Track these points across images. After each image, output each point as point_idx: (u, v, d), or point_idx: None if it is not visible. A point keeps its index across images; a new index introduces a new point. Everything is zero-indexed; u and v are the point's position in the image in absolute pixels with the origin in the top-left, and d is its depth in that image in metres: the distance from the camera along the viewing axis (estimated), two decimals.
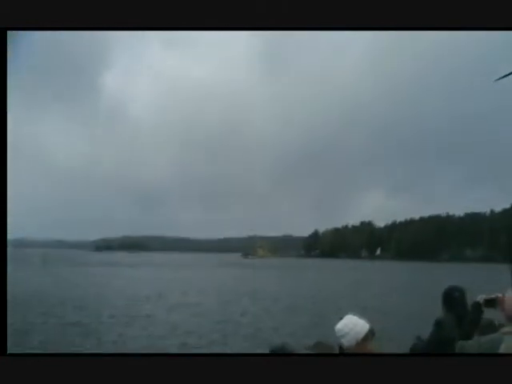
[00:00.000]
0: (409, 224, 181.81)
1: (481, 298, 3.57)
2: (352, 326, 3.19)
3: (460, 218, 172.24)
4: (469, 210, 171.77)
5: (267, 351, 2.99)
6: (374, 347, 3.15)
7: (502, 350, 2.60)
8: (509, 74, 2.62)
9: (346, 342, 3.14)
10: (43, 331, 17.04)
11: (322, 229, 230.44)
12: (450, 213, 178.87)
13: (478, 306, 3.62)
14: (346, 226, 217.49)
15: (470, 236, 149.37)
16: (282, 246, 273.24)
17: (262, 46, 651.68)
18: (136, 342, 15.91)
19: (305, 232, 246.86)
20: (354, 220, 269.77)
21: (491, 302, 3.36)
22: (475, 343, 2.95)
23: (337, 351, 3.15)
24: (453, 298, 4.09)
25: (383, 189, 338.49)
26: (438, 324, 4.04)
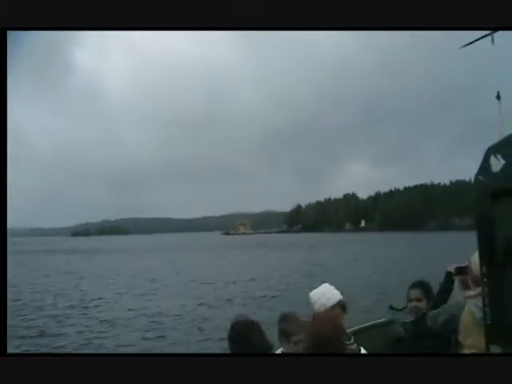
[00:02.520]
0: (393, 194, 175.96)
1: (452, 266, 3.65)
2: (322, 293, 3.37)
3: (445, 186, 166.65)
4: (454, 178, 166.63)
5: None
6: (342, 319, 3.22)
7: (465, 312, 2.91)
8: (476, 40, 2.46)
9: (316, 308, 3.30)
10: None
11: (304, 203, 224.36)
12: (435, 181, 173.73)
13: (449, 275, 3.70)
14: (329, 199, 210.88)
15: (457, 204, 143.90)
16: (264, 222, 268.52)
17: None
18: None
19: (286, 207, 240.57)
20: (336, 193, 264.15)
21: (462, 270, 3.41)
22: (441, 309, 3.36)
23: (303, 323, 3.08)
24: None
25: (366, 160, 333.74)
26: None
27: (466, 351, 2.90)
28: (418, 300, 3.80)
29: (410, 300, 3.84)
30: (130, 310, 19.01)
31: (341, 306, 3.30)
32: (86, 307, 20.17)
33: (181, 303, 20.00)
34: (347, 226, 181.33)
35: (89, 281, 30.23)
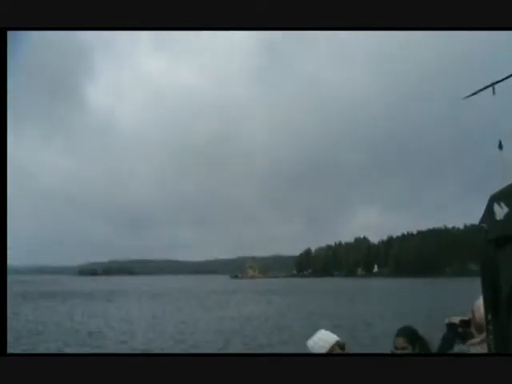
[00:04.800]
0: (406, 239, 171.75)
1: (455, 318, 3.73)
2: (319, 338, 3.50)
3: (459, 231, 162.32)
4: (468, 222, 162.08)
5: None
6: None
7: None
8: (478, 91, 2.57)
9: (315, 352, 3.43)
10: None
11: (314, 247, 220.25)
12: (449, 226, 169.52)
13: (452, 327, 3.74)
14: (340, 243, 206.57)
15: (472, 249, 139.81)
16: (273, 266, 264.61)
17: (254, 50, 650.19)
18: None
19: (296, 251, 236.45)
20: (347, 237, 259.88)
21: (466, 323, 3.50)
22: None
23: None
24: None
25: (377, 204, 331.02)
26: None
27: None
28: (403, 348, 3.73)
29: (395, 348, 3.74)
30: None
31: (339, 345, 3.46)
32: None
33: None
34: (359, 270, 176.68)
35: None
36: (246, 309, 38.53)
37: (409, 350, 3.71)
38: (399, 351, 3.72)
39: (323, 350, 3.36)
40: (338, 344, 3.41)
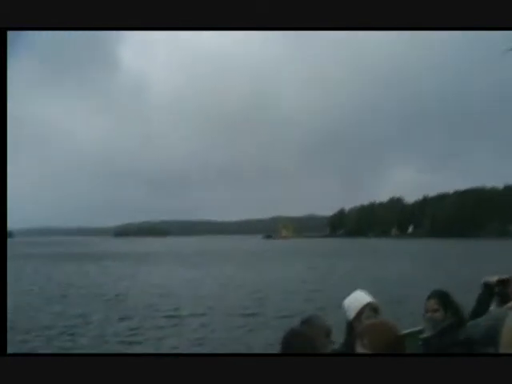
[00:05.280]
0: (442, 199, 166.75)
1: (492, 278, 3.60)
2: (352, 300, 3.47)
3: (499, 191, 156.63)
4: (508, 182, 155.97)
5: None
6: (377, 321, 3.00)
7: (507, 324, 2.79)
8: None
9: (348, 316, 3.41)
10: None
11: (348, 207, 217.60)
12: (488, 185, 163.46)
13: (489, 287, 3.61)
14: (374, 203, 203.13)
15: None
16: (306, 227, 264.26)
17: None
18: None
19: (330, 211, 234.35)
20: (382, 197, 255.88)
21: (503, 283, 3.41)
22: (481, 319, 3.21)
23: (327, 328, 3.23)
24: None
25: (413, 164, 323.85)
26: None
27: None
28: (435, 311, 3.60)
29: (426, 311, 3.62)
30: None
31: (371, 308, 3.39)
32: None
33: None
34: (393, 231, 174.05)
35: None
36: (278, 271, 37.43)
37: (440, 313, 3.59)
38: (429, 314, 3.61)
39: (353, 313, 3.36)
40: (370, 305, 3.38)
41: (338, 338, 3.32)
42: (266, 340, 13.09)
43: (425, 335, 3.69)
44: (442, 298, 3.69)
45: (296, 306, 19.11)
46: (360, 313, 3.34)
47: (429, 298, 3.74)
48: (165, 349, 12.79)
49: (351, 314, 3.38)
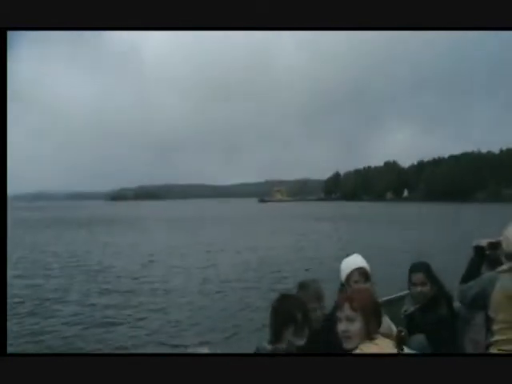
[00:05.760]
0: (438, 163, 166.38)
1: (483, 241, 3.55)
2: (344, 263, 3.47)
3: (494, 155, 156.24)
4: (504, 146, 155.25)
5: None
6: (365, 287, 3.23)
7: (498, 287, 2.92)
8: None
9: (340, 278, 3.45)
10: None
11: (343, 171, 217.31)
12: (483, 150, 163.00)
13: (480, 250, 3.55)
14: (369, 167, 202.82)
15: (508, 173, 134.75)
16: (301, 190, 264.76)
17: None
18: None
19: (324, 175, 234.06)
20: (376, 161, 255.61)
21: (494, 246, 3.41)
22: (472, 283, 3.19)
23: (320, 292, 3.43)
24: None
25: (408, 128, 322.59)
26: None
27: (498, 326, 2.92)
28: (423, 284, 3.63)
29: (414, 284, 3.66)
30: None
31: (361, 273, 3.36)
32: None
33: None
34: (388, 195, 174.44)
35: None
36: (273, 237, 37.35)
37: (428, 286, 3.63)
38: (419, 287, 3.62)
39: (345, 275, 3.39)
40: (359, 270, 3.36)
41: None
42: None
43: (411, 309, 3.71)
44: (428, 271, 3.73)
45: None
46: (349, 277, 3.36)
47: (414, 270, 3.75)
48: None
49: (342, 277, 3.42)
